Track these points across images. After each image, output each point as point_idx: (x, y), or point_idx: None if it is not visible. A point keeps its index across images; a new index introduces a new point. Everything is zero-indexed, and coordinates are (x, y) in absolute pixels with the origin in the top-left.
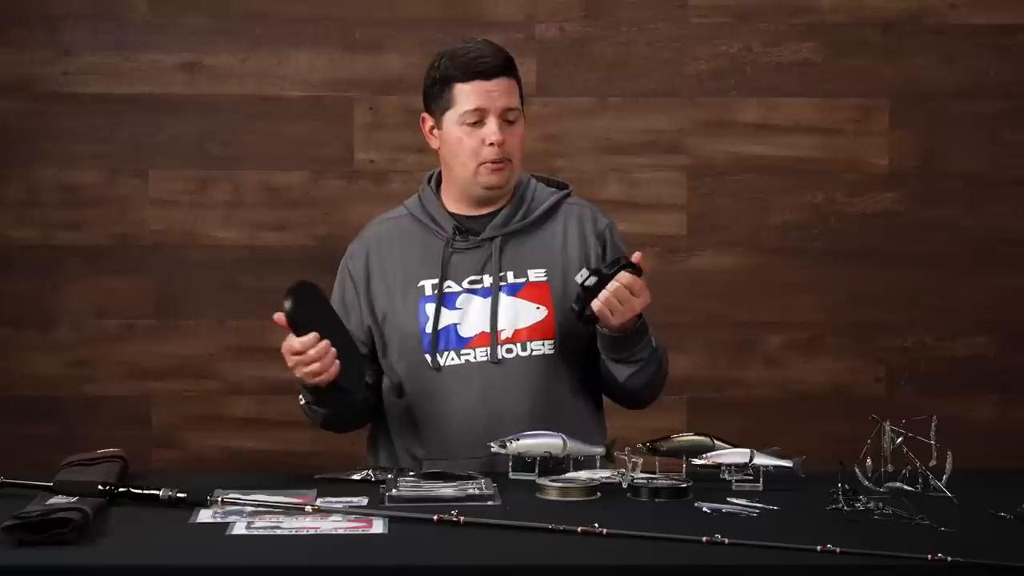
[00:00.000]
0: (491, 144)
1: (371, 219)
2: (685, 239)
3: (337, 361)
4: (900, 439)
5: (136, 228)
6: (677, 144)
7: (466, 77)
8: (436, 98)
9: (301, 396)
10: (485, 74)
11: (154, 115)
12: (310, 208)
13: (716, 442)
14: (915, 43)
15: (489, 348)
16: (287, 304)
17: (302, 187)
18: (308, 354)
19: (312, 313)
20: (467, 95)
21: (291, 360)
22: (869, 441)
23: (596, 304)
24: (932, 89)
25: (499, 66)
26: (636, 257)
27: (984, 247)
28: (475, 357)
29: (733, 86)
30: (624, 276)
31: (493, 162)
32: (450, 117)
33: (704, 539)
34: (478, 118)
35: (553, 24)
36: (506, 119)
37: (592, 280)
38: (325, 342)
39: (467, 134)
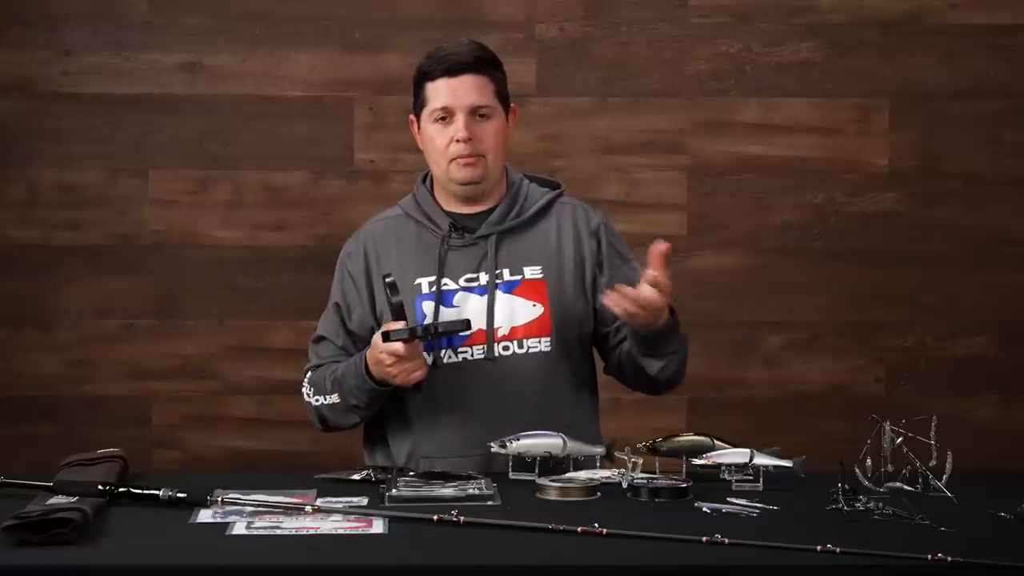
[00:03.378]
0: (458, 141)
1: (367, 219)
2: (685, 239)
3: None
4: (900, 439)
5: (136, 228)
6: (677, 144)
7: (434, 75)
8: (415, 98)
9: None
10: (452, 71)
11: (154, 115)
12: (310, 208)
13: (716, 442)
14: (915, 43)
15: (486, 346)
16: (396, 300)
17: (302, 187)
18: (412, 356)
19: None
20: (435, 92)
21: (394, 368)
22: (869, 441)
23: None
24: (932, 89)
25: (467, 63)
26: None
27: (984, 247)
28: (472, 355)
29: (733, 86)
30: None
31: (461, 157)
32: (424, 115)
33: (704, 539)
34: (445, 115)
35: (553, 24)
36: (477, 115)
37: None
38: (416, 341)
39: (438, 132)
